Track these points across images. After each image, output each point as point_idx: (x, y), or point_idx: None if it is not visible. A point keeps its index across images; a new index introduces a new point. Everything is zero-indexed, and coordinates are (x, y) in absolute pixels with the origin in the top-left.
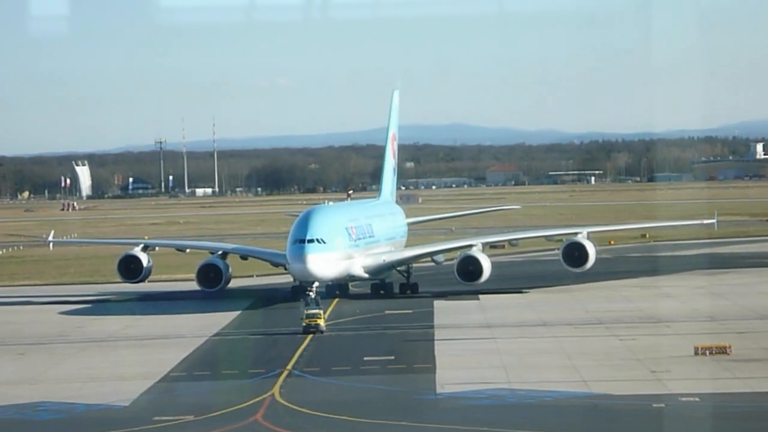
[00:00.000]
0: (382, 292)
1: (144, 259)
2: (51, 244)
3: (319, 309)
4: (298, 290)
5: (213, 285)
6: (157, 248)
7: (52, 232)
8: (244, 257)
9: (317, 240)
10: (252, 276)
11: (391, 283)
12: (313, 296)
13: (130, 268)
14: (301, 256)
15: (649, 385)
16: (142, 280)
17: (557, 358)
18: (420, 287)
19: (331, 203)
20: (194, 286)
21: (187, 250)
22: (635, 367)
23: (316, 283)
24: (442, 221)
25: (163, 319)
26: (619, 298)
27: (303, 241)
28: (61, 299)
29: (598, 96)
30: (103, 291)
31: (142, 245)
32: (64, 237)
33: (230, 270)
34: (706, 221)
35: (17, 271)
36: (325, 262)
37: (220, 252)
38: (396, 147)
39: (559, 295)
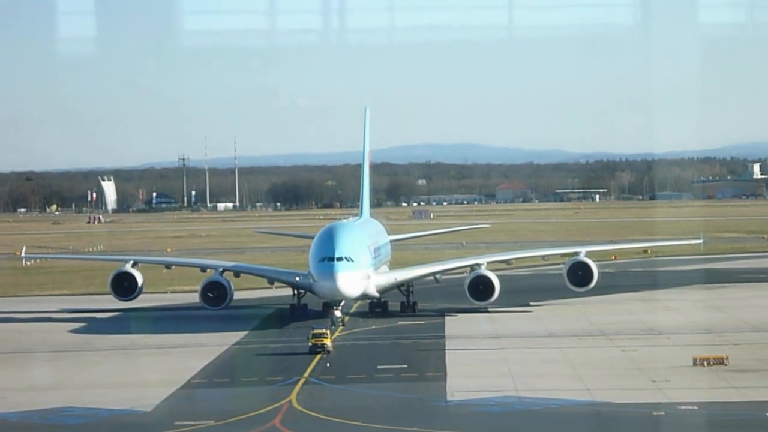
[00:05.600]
0: (377, 310)
1: (138, 276)
2: (24, 260)
3: (326, 329)
4: (296, 309)
5: (217, 303)
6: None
7: (24, 248)
8: (237, 274)
9: (346, 258)
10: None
11: (387, 302)
12: (339, 315)
13: (123, 286)
14: (330, 274)
15: (649, 394)
16: (135, 298)
17: (562, 368)
18: (420, 305)
19: (344, 220)
20: (187, 299)
21: (171, 267)
22: (636, 377)
23: (343, 302)
24: (440, 236)
25: (185, 329)
26: (622, 310)
27: (332, 259)
28: (87, 308)
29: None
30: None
31: (131, 261)
32: (89, 249)
33: (233, 287)
34: (693, 241)
35: (45, 281)
36: (353, 281)
37: (221, 269)
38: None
39: (564, 308)
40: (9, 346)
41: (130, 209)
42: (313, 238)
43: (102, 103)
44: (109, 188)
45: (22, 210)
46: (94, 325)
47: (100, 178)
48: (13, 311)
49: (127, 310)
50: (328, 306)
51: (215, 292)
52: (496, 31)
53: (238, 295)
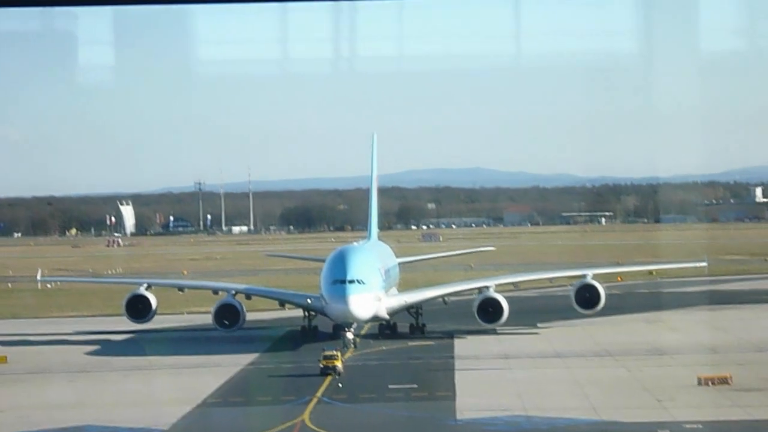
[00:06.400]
0: (387, 332)
1: (152, 299)
2: (39, 283)
3: (337, 350)
4: (307, 331)
5: (229, 325)
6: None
7: (40, 271)
8: (248, 296)
9: (357, 281)
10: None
11: (396, 324)
12: (350, 337)
13: (138, 308)
14: (342, 297)
15: (655, 413)
16: (149, 320)
17: (569, 387)
18: (428, 326)
19: (354, 244)
20: (203, 320)
21: (184, 290)
22: (642, 396)
23: (354, 324)
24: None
25: (200, 350)
26: (627, 331)
27: (344, 281)
28: (106, 330)
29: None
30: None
31: (145, 284)
32: (108, 271)
33: (245, 309)
34: (698, 264)
35: (65, 303)
36: (365, 303)
37: (234, 292)
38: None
39: (571, 329)
40: (29, 366)
41: (148, 233)
42: (320, 260)
43: (121, 130)
44: (128, 212)
45: (17, 234)
46: (111, 346)
47: (118, 202)
48: (33, 333)
49: (143, 332)
50: (339, 328)
51: (228, 315)
52: (502, 59)
53: (250, 316)
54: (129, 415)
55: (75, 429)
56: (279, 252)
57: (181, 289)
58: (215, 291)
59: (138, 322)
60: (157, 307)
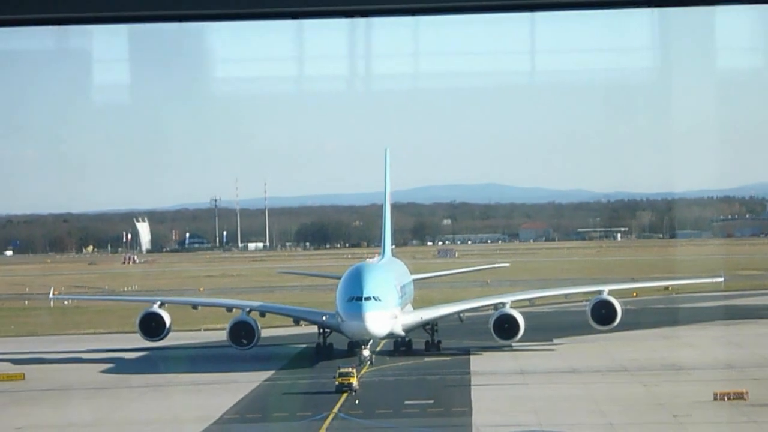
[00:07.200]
0: (402, 349)
1: (165, 317)
2: (51, 301)
3: (353, 368)
4: (322, 348)
5: (245, 343)
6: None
7: (52, 289)
8: (263, 314)
9: (373, 298)
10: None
11: (411, 341)
12: (367, 354)
13: (152, 327)
14: (358, 314)
15: (671, 429)
16: (163, 338)
17: (585, 403)
18: (444, 343)
19: (369, 261)
20: (219, 336)
21: (198, 308)
22: (658, 412)
23: (371, 341)
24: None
25: (217, 367)
26: (643, 347)
27: (360, 298)
28: (123, 347)
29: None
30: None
31: (159, 302)
32: (125, 288)
33: (260, 326)
34: (714, 279)
35: (82, 321)
36: (381, 320)
37: (248, 309)
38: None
39: (587, 345)
40: (47, 383)
41: (164, 249)
42: (331, 277)
43: (136, 148)
44: (144, 229)
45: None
46: (128, 364)
47: (134, 219)
48: (51, 350)
49: (159, 349)
50: (355, 345)
51: (243, 332)
52: (518, 75)
53: (265, 333)
54: (148, 431)
55: None
56: (293, 269)
57: (195, 306)
58: (229, 308)
59: (152, 340)
60: (171, 324)
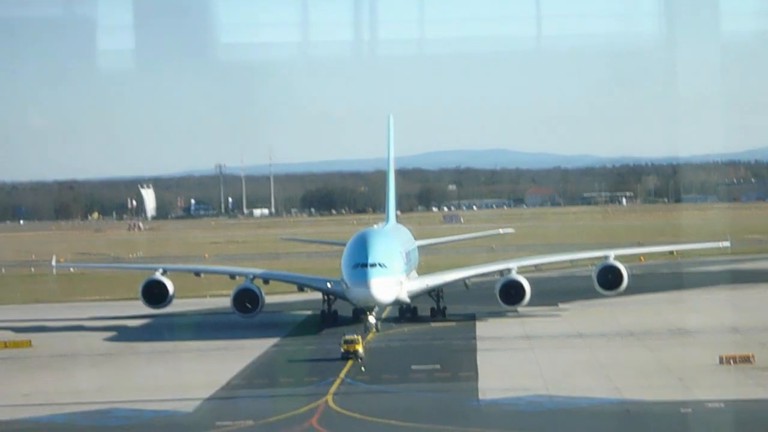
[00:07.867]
0: (408, 315)
1: (168, 284)
2: (54, 269)
3: (357, 335)
4: (327, 315)
5: (249, 310)
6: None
7: (55, 257)
8: (266, 281)
9: (379, 264)
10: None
11: (416, 307)
12: (372, 321)
13: (154, 294)
14: (363, 280)
15: (677, 392)
16: (167, 306)
17: (592, 367)
18: (450, 308)
19: (375, 227)
20: (224, 303)
21: (201, 275)
22: (664, 375)
23: (376, 308)
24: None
25: (222, 334)
26: (649, 311)
27: (365, 265)
28: (127, 315)
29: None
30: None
31: (161, 269)
32: (130, 255)
33: (264, 294)
34: (721, 244)
35: (87, 288)
36: (386, 287)
37: (252, 276)
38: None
39: (593, 309)
40: (53, 350)
41: (169, 216)
42: (337, 244)
43: (141, 114)
44: (149, 196)
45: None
46: (134, 330)
47: (139, 186)
48: (57, 317)
49: (164, 316)
50: (359, 312)
51: (247, 300)
52: (524, 41)
53: (269, 299)
54: (154, 397)
55: (101, 412)
56: (298, 235)
57: (197, 273)
58: (233, 276)
59: (155, 308)
60: (174, 292)
